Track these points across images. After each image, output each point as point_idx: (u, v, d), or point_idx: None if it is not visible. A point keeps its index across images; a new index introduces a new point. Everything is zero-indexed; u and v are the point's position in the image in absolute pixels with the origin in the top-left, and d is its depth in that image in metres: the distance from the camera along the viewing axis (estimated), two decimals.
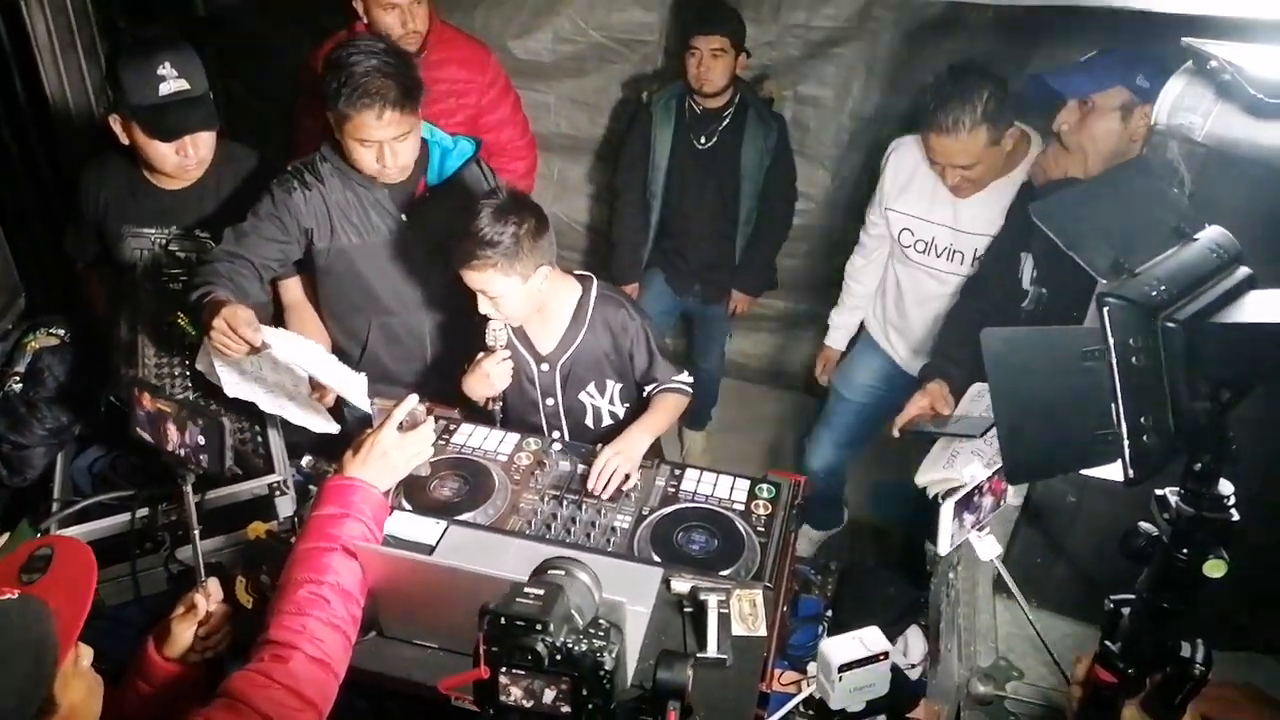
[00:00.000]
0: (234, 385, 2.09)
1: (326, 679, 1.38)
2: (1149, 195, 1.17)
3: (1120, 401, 0.97)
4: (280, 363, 2.23)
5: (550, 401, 2.39)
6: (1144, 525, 1.12)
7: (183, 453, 1.79)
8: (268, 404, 2.12)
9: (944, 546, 1.57)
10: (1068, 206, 1.18)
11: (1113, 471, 1.01)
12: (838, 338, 3.04)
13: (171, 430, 1.80)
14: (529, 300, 2.17)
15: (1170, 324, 0.96)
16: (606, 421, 2.43)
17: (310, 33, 3.01)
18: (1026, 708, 1.63)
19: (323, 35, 2.89)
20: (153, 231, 2.39)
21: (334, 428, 2.20)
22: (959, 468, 2.07)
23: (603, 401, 2.40)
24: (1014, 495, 1.93)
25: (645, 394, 2.39)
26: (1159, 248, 1.06)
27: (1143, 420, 0.97)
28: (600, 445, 2.21)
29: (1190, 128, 1.34)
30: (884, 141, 2.73)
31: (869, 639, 1.64)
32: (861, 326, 3.00)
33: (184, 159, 2.25)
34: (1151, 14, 1.87)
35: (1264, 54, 1.42)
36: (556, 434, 2.42)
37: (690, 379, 2.40)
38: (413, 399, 1.76)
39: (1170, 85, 1.40)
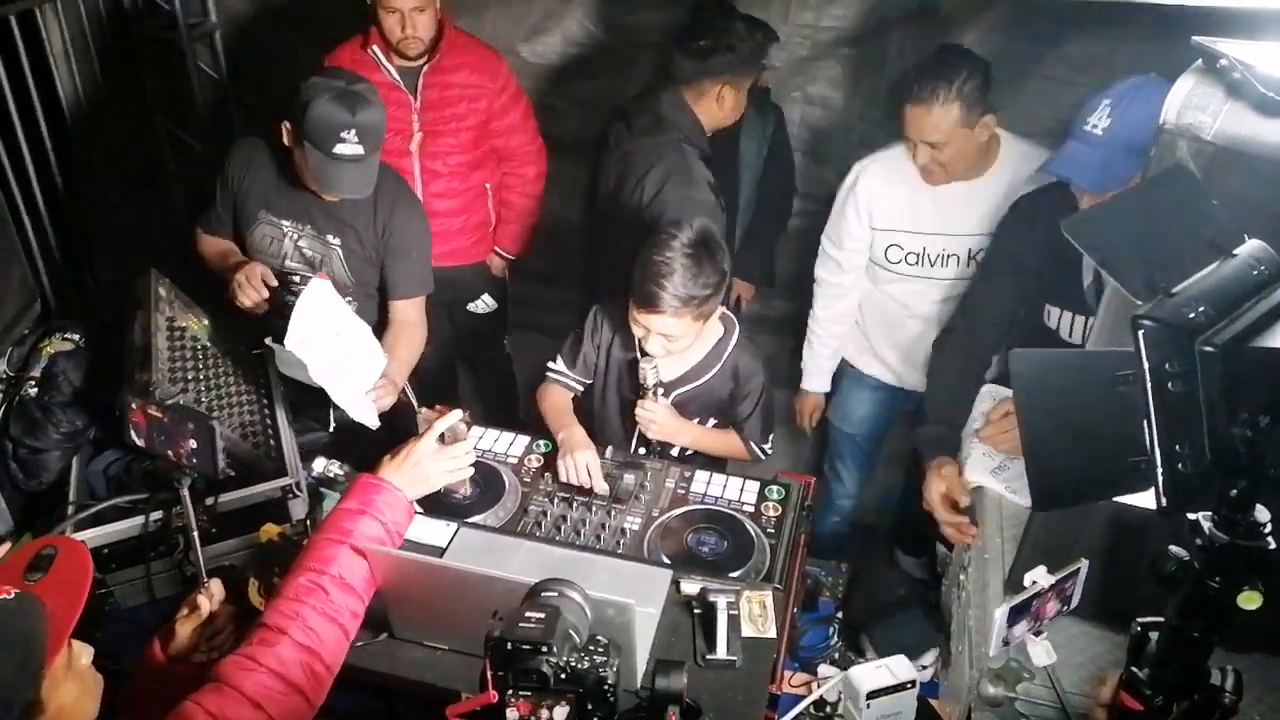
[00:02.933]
0: (318, 370, 2.13)
1: (315, 667, 1.38)
2: (1183, 207, 1.11)
3: (1154, 427, 0.93)
4: (358, 351, 2.27)
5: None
6: (1174, 549, 1.07)
7: (180, 459, 1.81)
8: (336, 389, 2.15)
9: (994, 649, 1.54)
10: (1100, 222, 1.15)
11: (1145, 500, 0.98)
12: (820, 382, 2.92)
13: (166, 436, 1.82)
14: (695, 336, 2.19)
15: (1209, 348, 0.91)
16: (690, 450, 2.42)
17: (321, 39, 3.03)
18: (1037, 709, 1.62)
19: (333, 41, 2.91)
20: (287, 224, 2.44)
21: (374, 423, 2.23)
22: (970, 469, 2.06)
23: None
24: (1023, 496, 1.93)
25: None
26: (1195, 263, 1.01)
27: (1178, 447, 0.93)
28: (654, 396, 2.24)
29: (1199, 127, 1.34)
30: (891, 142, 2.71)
31: (896, 667, 1.64)
32: (843, 361, 2.94)
33: (328, 193, 2.31)
34: (1163, 8, 1.86)
35: (1274, 52, 1.41)
36: (643, 450, 2.40)
37: (770, 452, 2.41)
38: (457, 414, 1.76)
39: (1179, 84, 1.40)
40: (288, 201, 2.43)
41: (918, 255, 2.53)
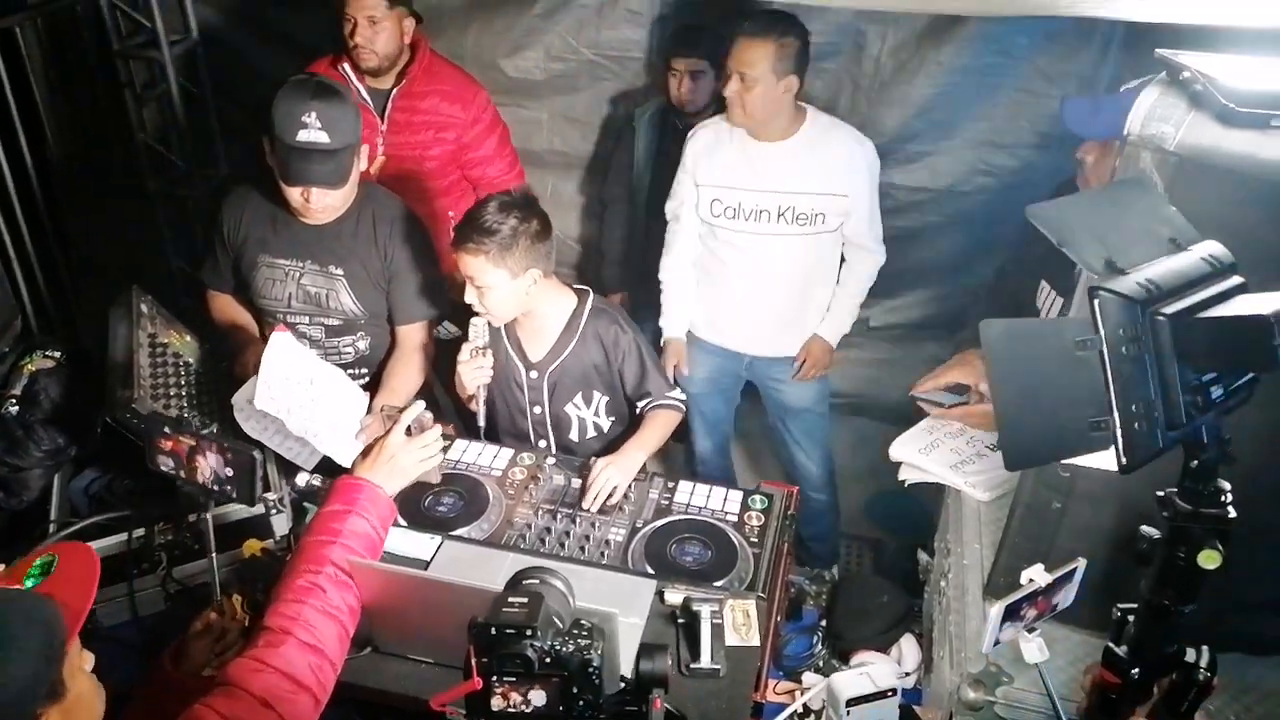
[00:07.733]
0: (298, 425, 2.09)
1: (321, 665, 1.39)
2: (1146, 209, 1.20)
3: (1112, 390, 1.01)
4: (335, 395, 2.22)
5: (538, 410, 2.42)
6: (1145, 529, 1.16)
7: (214, 486, 1.83)
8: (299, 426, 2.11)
9: (987, 645, 1.56)
10: (1064, 208, 1.22)
11: (1107, 460, 1.04)
12: (669, 326, 2.98)
13: (198, 462, 1.83)
14: (514, 298, 2.20)
15: (1160, 317, 1.00)
16: (591, 434, 2.45)
17: (302, 55, 3.04)
18: (1017, 713, 1.64)
19: (315, 57, 2.91)
20: (288, 263, 2.37)
21: (346, 461, 2.18)
22: (933, 461, 2.09)
23: (588, 413, 2.42)
24: (986, 492, 1.95)
25: (639, 409, 2.40)
26: (1152, 255, 1.09)
27: (1134, 408, 1.01)
28: (594, 459, 2.23)
29: (1162, 137, 1.37)
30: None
31: (878, 675, 1.64)
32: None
33: (306, 203, 2.23)
34: (1140, 25, 1.90)
35: (1235, 64, 1.45)
36: (543, 443, 2.45)
37: (683, 395, 2.43)
38: (419, 405, 1.79)
39: (1143, 96, 1.43)
40: (284, 240, 2.36)
41: (734, 210, 2.72)
